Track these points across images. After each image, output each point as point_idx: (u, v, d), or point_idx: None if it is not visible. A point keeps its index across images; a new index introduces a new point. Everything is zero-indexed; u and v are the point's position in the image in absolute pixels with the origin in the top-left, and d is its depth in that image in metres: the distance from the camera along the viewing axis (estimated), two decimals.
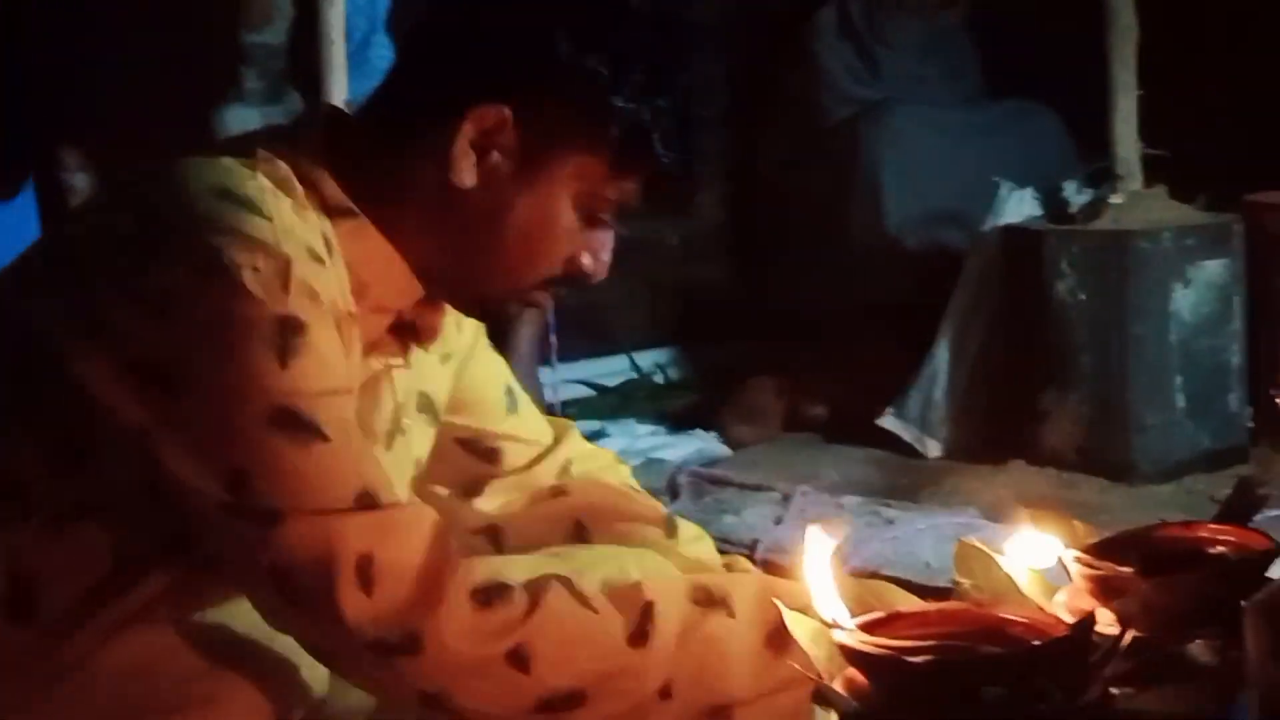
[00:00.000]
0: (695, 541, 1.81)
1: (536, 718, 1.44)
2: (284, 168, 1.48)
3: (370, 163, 1.52)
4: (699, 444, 3.43)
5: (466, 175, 1.49)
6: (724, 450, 3.44)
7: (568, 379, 3.76)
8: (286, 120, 2.17)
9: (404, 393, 1.63)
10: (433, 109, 1.50)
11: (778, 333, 3.99)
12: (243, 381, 1.38)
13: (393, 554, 1.40)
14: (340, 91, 2.40)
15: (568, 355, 3.70)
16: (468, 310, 1.62)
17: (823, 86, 4.09)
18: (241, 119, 3.52)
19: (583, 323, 3.72)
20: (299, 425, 1.39)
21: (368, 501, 1.41)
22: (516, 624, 1.43)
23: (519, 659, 1.42)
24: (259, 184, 1.45)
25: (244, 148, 1.50)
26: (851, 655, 1.22)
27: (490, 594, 1.44)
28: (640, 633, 1.47)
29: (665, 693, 1.46)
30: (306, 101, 3.10)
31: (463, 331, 1.73)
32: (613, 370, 4.09)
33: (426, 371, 1.67)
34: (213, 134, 3.18)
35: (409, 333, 1.61)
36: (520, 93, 1.49)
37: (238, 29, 3.59)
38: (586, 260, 1.55)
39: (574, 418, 2.23)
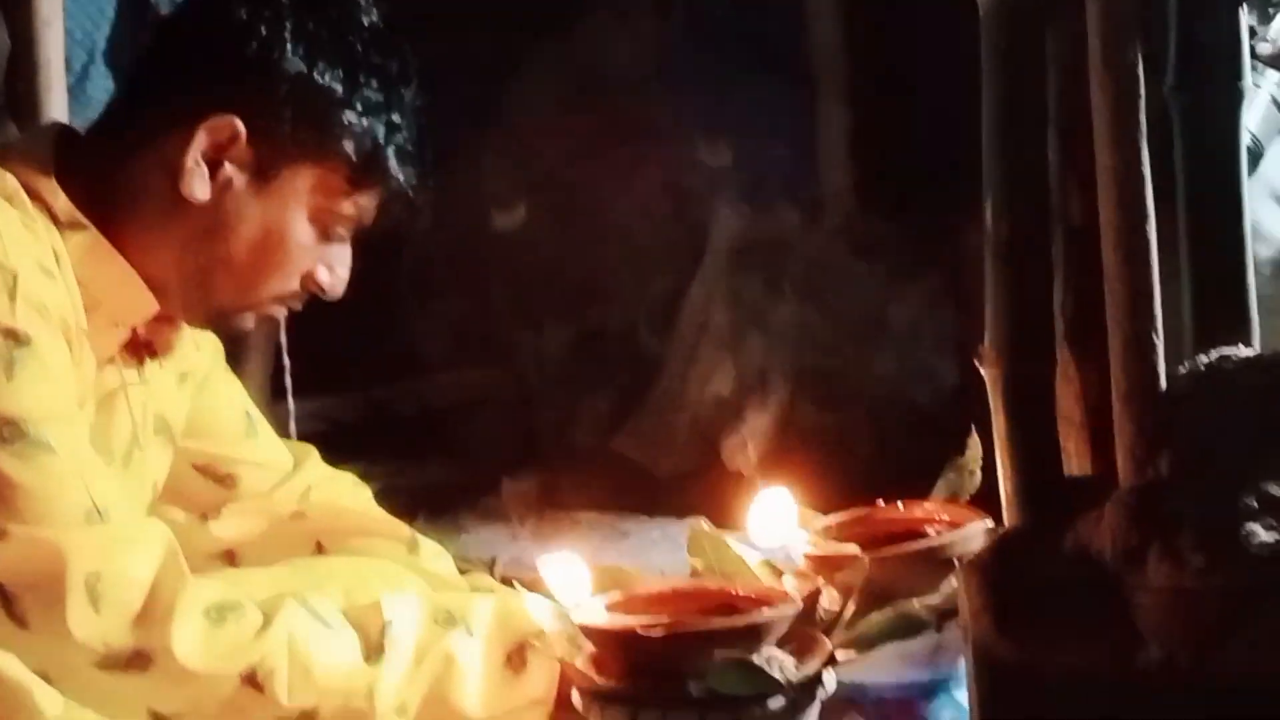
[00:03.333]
0: (437, 559, 1.81)
1: None
2: (12, 180, 1.46)
3: (101, 176, 1.51)
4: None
5: (199, 188, 1.49)
6: None
7: (300, 415, 3.73)
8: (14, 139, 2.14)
9: (141, 412, 1.62)
10: (164, 121, 1.50)
11: (508, 362, 4.03)
12: None
13: (122, 569, 1.39)
14: (59, 116, 2.36)
15: (301, 393, 3.67)
16: (201, 324, 1.61)
17: None
18: None
19: (317, 359, 3.68)
20: (25, 440, 1.37)
21: (97, 518, 1.40)
22: (250, 642, 1.42)
23: (253, 679, 1.41)
24: None
25: None
26: (592, 634, 1.26)
27: (224, 611, 1.43)
28: (377, 649, 1.47)
29: (402, 710, 1.46)
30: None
31: (201, 351, 1.72)
32: (346, 406, 4.07)
33: (163, 392, 1.65)
34: None
35: (144, 349, 1.60)
36: (253, 106, 1.49)
37: None
38: (323, 276, 1.56)
39: None
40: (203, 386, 1.72)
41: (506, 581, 2.40)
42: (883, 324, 3.21)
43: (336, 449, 3.58)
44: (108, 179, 1.51)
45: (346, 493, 1.83)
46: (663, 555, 2.49)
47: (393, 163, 1.53)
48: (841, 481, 2.57)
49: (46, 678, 1.43)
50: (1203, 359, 1.20)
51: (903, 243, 3.32)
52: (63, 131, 1.59)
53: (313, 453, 1.85)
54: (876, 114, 3.46)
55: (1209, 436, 1.16)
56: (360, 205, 1.54)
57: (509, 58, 4.18)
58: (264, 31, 1.49)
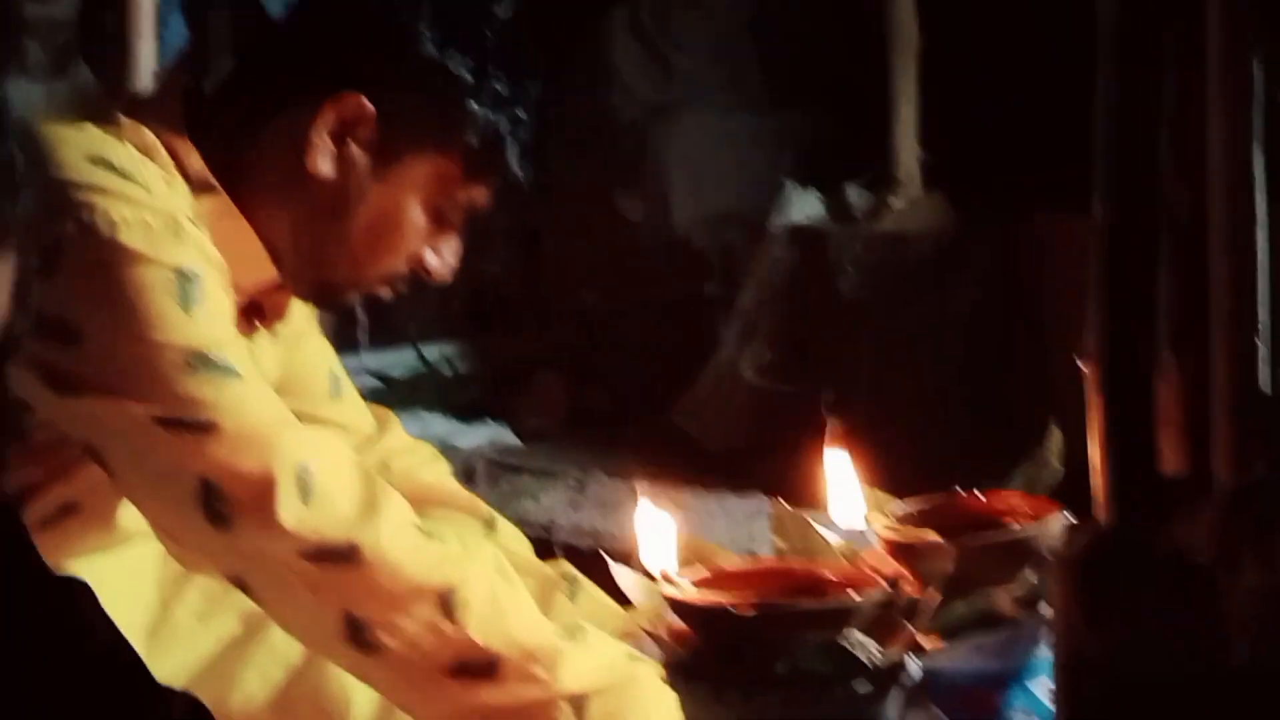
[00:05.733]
0: (515, 541, 1.81)
1: (446, 682, 1.41)
2: (150, 136, 1.48)
3: (228, 140, 1.52)
4: (491, 433, 3.46)
5: (323, 163, 1.51)
6: (514, 440, 3.47)
7: (354, 369, 3.74)
8: (146, 91, 2.13)
9: None
10: (294, 93, 1.51)
11: (563, 327, 4.04)
12: (150, 331, 1.39)
13: (330, 465, 1.41)
14: (148, 62, 2.37)
15: (354, 345, 3.68)
16: (309, 297, 1.63)
17: (614, 88, 4.14)
18: (25, 92, 3.43)
19: (368, 314, 3.70)
20: (211, 367, 1.40)
21: (293, 423, 1.43)
22: (455, 562, 1.42)
23: (448, 602, 1.40)
24: (129, 153, 1.46)
25: (104, 114, 1.49)
26: (679, 608, 1.27)
27: (432, 531, 1.44)
28: (571, 633, 1.44)
29: (579, 708, 1.41)
30: (98, 76, 3.04)
31: (296, 313, 1.73)
32: (399, 362, 4.09)
33: (260, 349, 1.67)
34: None
35: (256, 312, 1.61)
36: (383, 87, 1.51)
37: (18, 1, 3.51)
38: (432, 260, 1.58)
39: None
40: (294, 344, 1.74)
41: (566, 549, 2.41)
42: (951, 310, 3.21)
43: (387, 403, 3.61)
44: (234, 144, 1.52)
45: (426, 464, 1.84)
46: (722, 531, 2.49)
47: (512, 156, 1.54)
48: (908, 464, 2.60)
49: (240, 582, 1.44)
50: None
51: (971, 227, 3.31)
52: (190, 89, 1.60)
53: (394, 419, 1.86)
54: (952, 96, 3.45)
55: None
56: (475, 195, 1.55)
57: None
58: (401, 15, 1.50)
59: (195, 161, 1.50)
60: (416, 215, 1.54)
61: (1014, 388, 3.09)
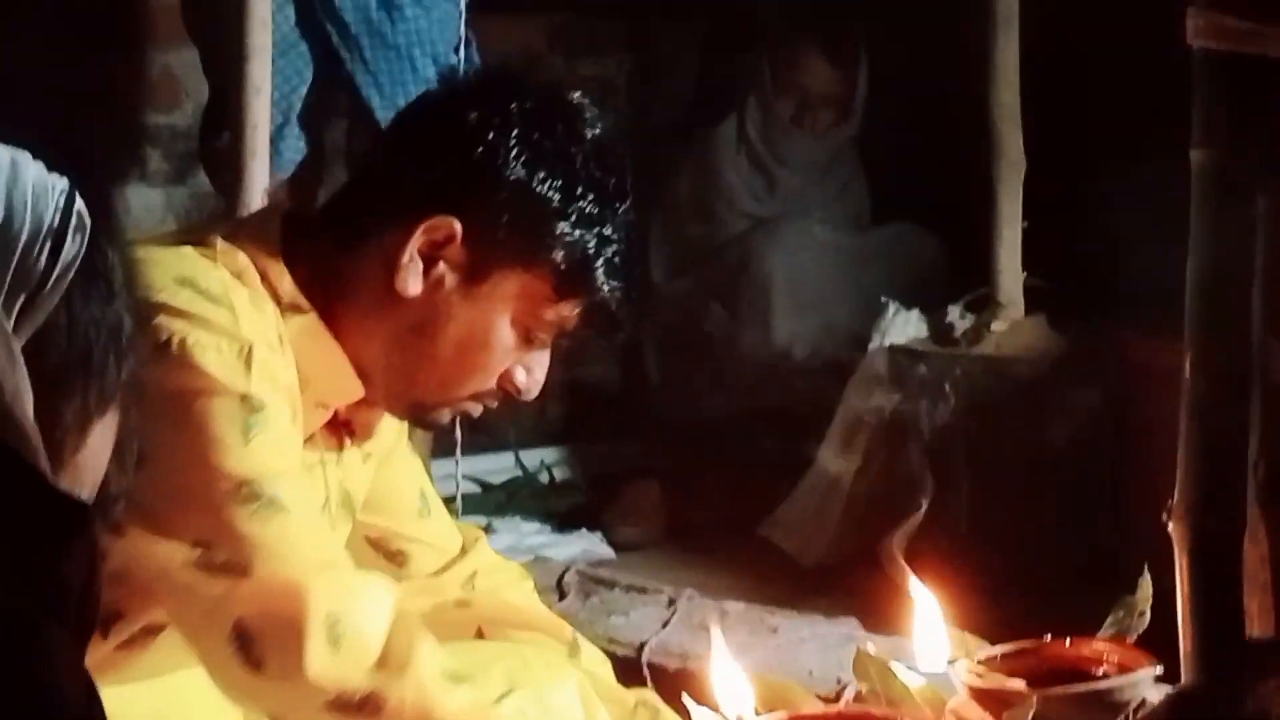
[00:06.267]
0: (599, 665, 1.82)
1: None
2: (244, 259, 1.53)
3: (322, 262, 1.57)
4: (584, 544, 3.47)
5: (412, 283, 1.54)
6: (608, 551, 3.47)
7: (452, 474, 3.77)
8: (248, 214, 2.19)
9: (334, 488, 1.67)
10: (387, 215, 1.56)
11: (662, 436, 4.05)
12: (207, 456, 1.43)
13: (361, 613, 1.44)
14: (260, 180, 2.43)
15: (451, 451, 3.71)
16: (400, 414, 1.66)
17: (720, 200, 4.18)
18: (145, 199, 3.54)
19: (464, 420, 3.72)
20: (260, 501, 1.43)
21: (332, 566, 1.45)
22: (487, 706, 1.45)
23: None
24: (220, 275, 1.50)
25: (203, 236, 1.54)
26: None
27: (462, 678, 1.46)
28: None
29: None
30: (215, 185, 3.12)
31: (387, 430, 1.76)
32: (498, 467, 4.11)
33: (350, 468, 1.70)
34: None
35: (343, 429, 1.64)
36: (471, 209, 1.54)
37: (141, 109, 3.62)
38: (520, 377, 1.60)
39: (458, 513, 2.24)
40: (384, 463, 1.77)
41: (654, 669, 2.40)
42: (1047, 441, 3.19)
43: (483, 509, 3.61)
44: (327, 265, 1.57)
45: (512, 584, 1.85)
46: (812, 656, 2.47)
47: (600, 275, 1.56)
48: (996, 604, 2.59)
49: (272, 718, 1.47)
50: None
51: (1071, 353, 3.30)
52: (289, 211, 1.65)
53: (481, 538, 1.88)
54: (1057, 219, 3.45)
55: None
56: (563, 313, 1.58)
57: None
58: (491, 138, 1.54)
59: (287, 284, 1.55)
60: (505, 333, 1.56)
61: (1108, 528, 3.06)
